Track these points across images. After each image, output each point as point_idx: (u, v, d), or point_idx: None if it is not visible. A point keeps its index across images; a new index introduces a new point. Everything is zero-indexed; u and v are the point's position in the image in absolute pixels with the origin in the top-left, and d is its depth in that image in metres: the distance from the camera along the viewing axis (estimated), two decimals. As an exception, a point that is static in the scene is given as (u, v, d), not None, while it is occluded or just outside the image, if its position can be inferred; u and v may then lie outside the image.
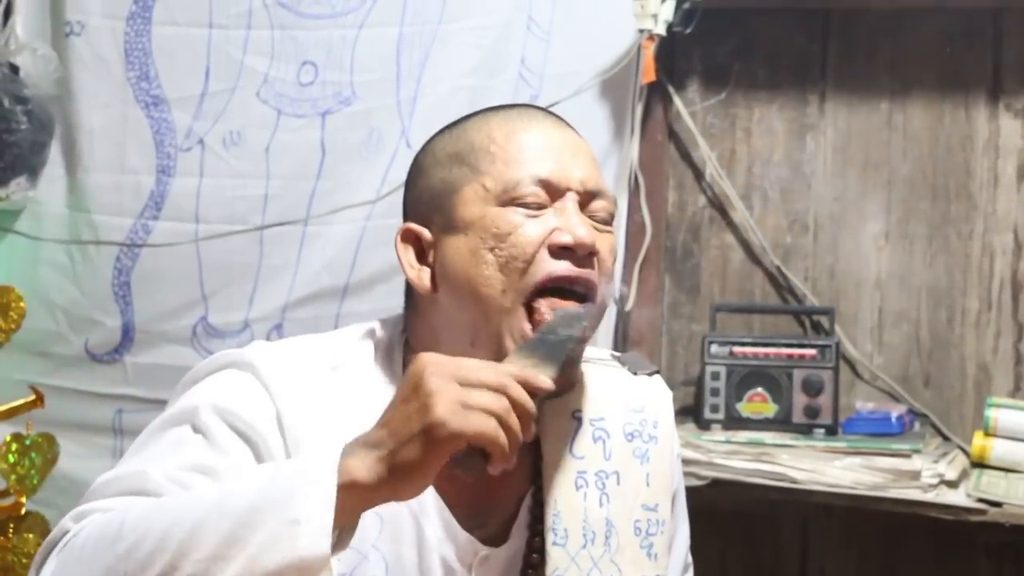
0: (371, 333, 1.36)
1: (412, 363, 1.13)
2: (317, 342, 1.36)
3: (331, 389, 1.29)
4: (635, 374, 1.42)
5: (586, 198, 1.32)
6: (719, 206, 2.47)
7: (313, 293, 2.47)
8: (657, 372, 1.45)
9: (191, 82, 2.53)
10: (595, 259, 1.30)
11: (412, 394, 1.11)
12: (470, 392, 1.10)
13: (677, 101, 2.43)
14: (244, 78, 2.50)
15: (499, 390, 1.12)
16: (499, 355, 1.25)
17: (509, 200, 1.28)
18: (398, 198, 2.38)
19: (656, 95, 2.41)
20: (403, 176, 2.36)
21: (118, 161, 2.56)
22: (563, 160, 1.31)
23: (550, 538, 1.33)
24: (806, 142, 2.42)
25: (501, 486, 1.33)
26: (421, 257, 1.33)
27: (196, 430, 1.25)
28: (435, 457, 1.10)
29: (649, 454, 1.39)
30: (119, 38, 2.55)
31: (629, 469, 1.37)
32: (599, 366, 1.41)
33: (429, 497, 1.30)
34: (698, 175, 2.47)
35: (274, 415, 1.26)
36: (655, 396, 1.43)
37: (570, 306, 1.27)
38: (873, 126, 2.39)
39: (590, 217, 1.31)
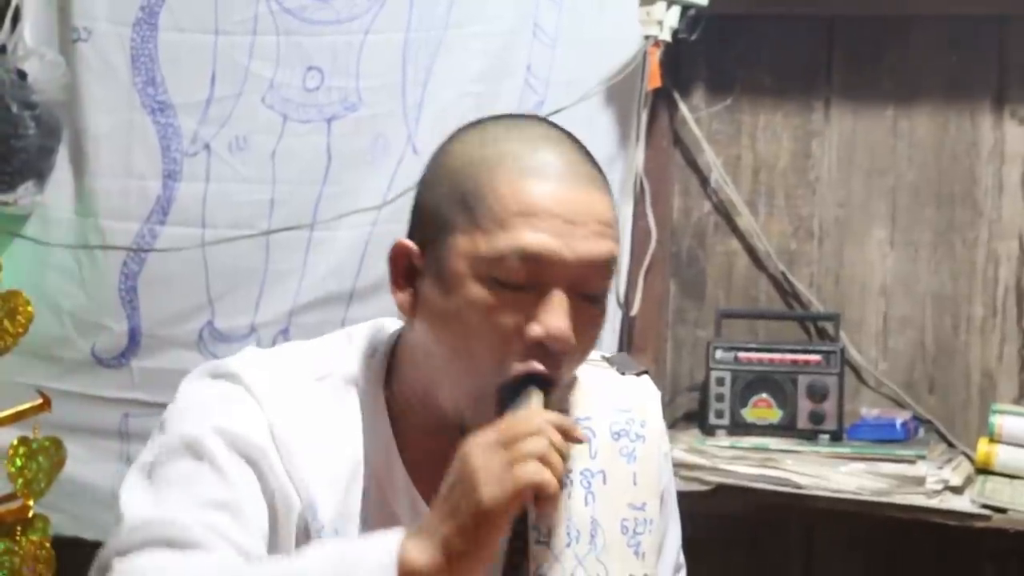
0: (356, 340, 1.35)
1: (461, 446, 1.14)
2: (302, 351, 1.35)
3: (316, 400, 1.29)
4: (623, 374, 1.42)
5: (584, 274, 1.22)
6: (724, 212, 2.47)
7: (319, 298, 2.47)
8: (646, 372, 1.45)
9: (197, 88, 2.53)
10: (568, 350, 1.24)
11: (458, 478, 1.12)
12: (512, 448, 1.12)
13: (683, 107, 2.44)
14: (250, 84, 2.51)
15: (538, 433, 1.12)
16: (454, 413, 1.25)
17: (494, 274, 1.20)
18: (404, 204, 2.39)
19: (662, 101, 2.41)
20: (409, 182, 2.37)
21: (125, 166, 2.57)
22: (567, 233, 1.20)
23: (533, 536, 1.32)
24: (811, 148, 2.42)
25: None
26: (410, 275, 1.28)
27: (202, 459, 1.23)
28: (488, 536, 1.11)
29: (636, 453, 1.38)
30: (126, 44, 2.56)
31: (615, 468, 1.37)
32: (587, 366, 1.40)
33: (405, 492, 1.30)
34: (703, 181, 2.48)
35: (267, 427, 1.25)
36: (642, 395, 1.42)
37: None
38: (878, 133, 2.39)
39: (584, 293, 1.23)
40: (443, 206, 1.25)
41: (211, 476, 1.22)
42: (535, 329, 1.21)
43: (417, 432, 1.31)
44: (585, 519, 1.34)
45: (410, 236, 1.29)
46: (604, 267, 1.23)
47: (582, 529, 1.33)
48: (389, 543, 1.11)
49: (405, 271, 1.28)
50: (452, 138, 1.30)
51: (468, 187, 1.23)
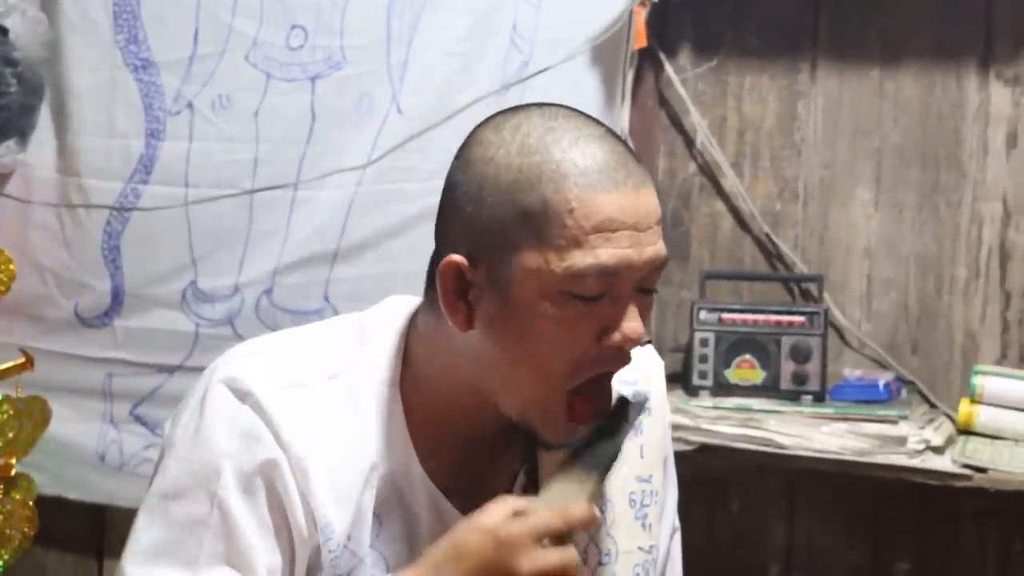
0: (370, 330, 1.32)
1: (466, 534, 1.19)
2: (312, 346, 1.32)
3: (329, 405, 1.27)
4: None
5: (648, 274, 1.23)
6: (709, 173, 2.47)
7: (303, 258, 2.46)
8: (649, 342, 1.45)
9: (180, 45, 2.51)
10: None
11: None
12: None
13: (668, 68, 2.43)
14: (233, 41, 2.48)
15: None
16: (519, 417, 1.26)
17: (569, 290, 1.19)
18: (389, 164, 2.42)
19: (647, 62, 2.40)
20: (393, 141, 2.40)
21: (107, 125, 2.54)
22: (636, 240, 1.20)
23: None
24: (797, 110, 2.42)
25: (494, 467, 1.33)
26: (461, 289, 1.23)
27: (213, 506, 1.23)
28: None
29: (643, 426, 1.39)
30: (108, 0, 2.54)
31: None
32: None
33: (422, 485, 1.29)
34: (689, 142, 2.47)
35: (282, 453, 1.24)
36: (648, 367, 1.42)
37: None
38: (864, 94, 2.39)
39: (645, 288, 1.24)
40: (500, 222, 1.20)
41: (221, 526, 1.23)
42: (616, 338, 1.22)
43: (435, 426, 1.29)
44: None
45: (452, 247, 1.23)
46: (664, 264, 1.24)
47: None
48: None
49: (455, 286, 1.23)
50: (482, 141, 1.24)
51: (531, 203, 1.19)
